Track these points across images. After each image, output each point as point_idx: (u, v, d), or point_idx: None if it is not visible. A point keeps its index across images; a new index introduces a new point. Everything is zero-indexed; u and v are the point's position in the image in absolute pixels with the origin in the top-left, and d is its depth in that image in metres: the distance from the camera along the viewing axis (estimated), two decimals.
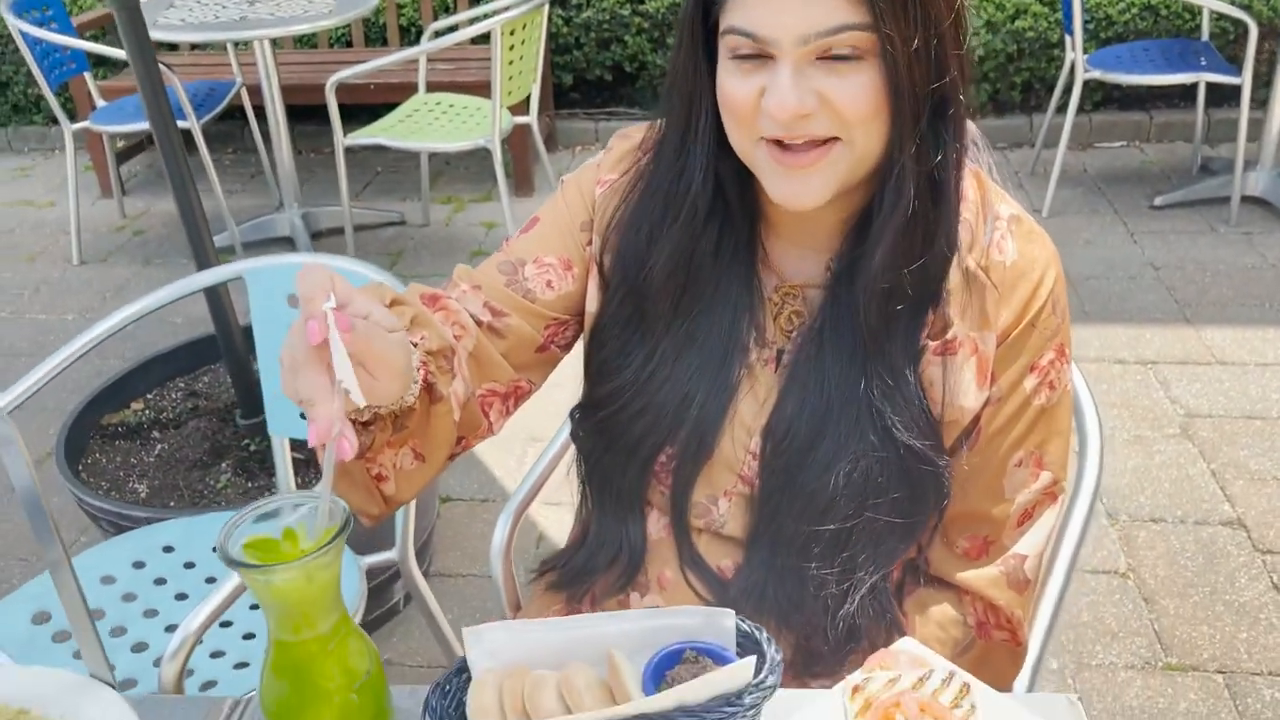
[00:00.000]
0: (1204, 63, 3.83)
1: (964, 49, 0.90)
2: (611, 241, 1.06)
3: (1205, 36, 4.15)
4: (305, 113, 4.34)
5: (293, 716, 0.80)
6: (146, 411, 2.42)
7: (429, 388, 0.91)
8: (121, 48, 2.03)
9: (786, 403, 1.00)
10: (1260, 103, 3.93)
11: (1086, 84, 4.43)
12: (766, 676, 0.85)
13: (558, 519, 2.47)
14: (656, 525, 1.10)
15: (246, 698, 0.97)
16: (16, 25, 3.55)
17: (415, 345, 0.89)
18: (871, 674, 0.93)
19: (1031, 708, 0.91)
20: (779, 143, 0.89)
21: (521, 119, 3.79)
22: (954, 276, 0.96)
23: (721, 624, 0.89)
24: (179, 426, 2.37)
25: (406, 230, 4.15)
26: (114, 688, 0.93)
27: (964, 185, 0.97)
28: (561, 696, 0.84)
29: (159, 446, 2.32)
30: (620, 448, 1.06)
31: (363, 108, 4.14)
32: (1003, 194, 1.02)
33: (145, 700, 0.94)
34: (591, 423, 1.09)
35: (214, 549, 0.77)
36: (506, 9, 3.43)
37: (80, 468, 2.23)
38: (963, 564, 1.05)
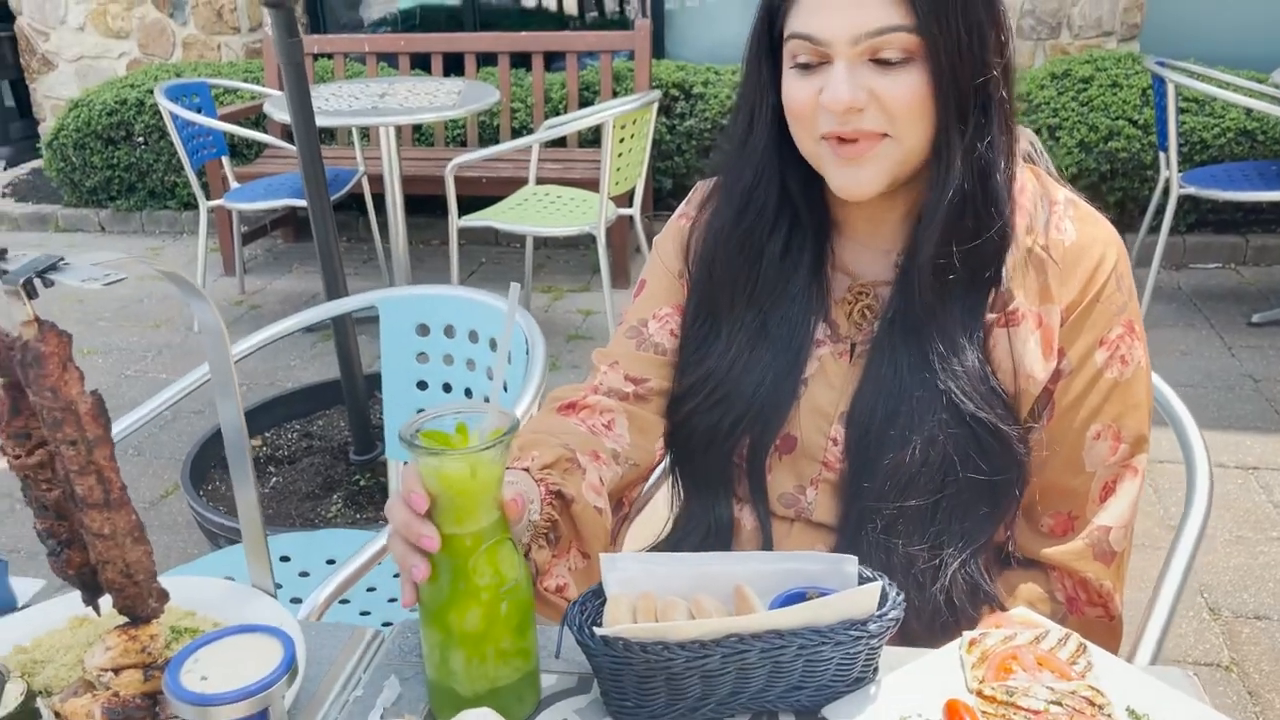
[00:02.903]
0: None
1: (1006, 52, 1.00)
2: (695, 247, 1.17)
3: None
4: (415, 206, 4.58)
5: (444, 611, 0.86)
6: (264, 448, 2.55)
7: (558, 495, 1.02)
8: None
9: (864, 390, 1.07)
10: None
11: (1181, 206, 4.48)
12: (889, 610, 0.89)
13: None
14: (748, 517, 1.16)
15: (386, 632, 1.04)
16: (170, 109, 3.87)
17: (527, 469, 1.01)
18: (988, 631, 0.96)
19: (1148, 673, 0.93)
20: (839, 139, 0.99)
21: (625, 211, 3.96)
22: (1016, 256, 1.04)
23: (844, 570, 0.93)
24: (293, 463, 2.48)
25: None
26: (273, 596, 1.00)
27: (1023, 178, 1.06)
28: (691, 615, 0.89)
29: (274, 479, 2.43)
30: (702, 435, 1.14)
31: (474, 200, 4.36)
32: (1060, 185, 1.10)
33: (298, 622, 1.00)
34: (680, 416, 1.17)
35: (398, 436, 0.84)
36: (620, 107, 3.63)
37: (201, 492, 2.35)
38: (1048, 541, 1.08)
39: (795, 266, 1.11)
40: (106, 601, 0.91)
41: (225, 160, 4.36)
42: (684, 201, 1.24)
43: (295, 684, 0.85)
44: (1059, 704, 0.86)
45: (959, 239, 1.01)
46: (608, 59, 4.80)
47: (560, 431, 1.11)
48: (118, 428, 1.72)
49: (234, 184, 4.37)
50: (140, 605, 0.87)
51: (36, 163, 6.26)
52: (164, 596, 0.89)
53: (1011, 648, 0.93)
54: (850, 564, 0.93)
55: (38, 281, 0.76)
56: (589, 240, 3.82)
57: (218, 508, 2.25)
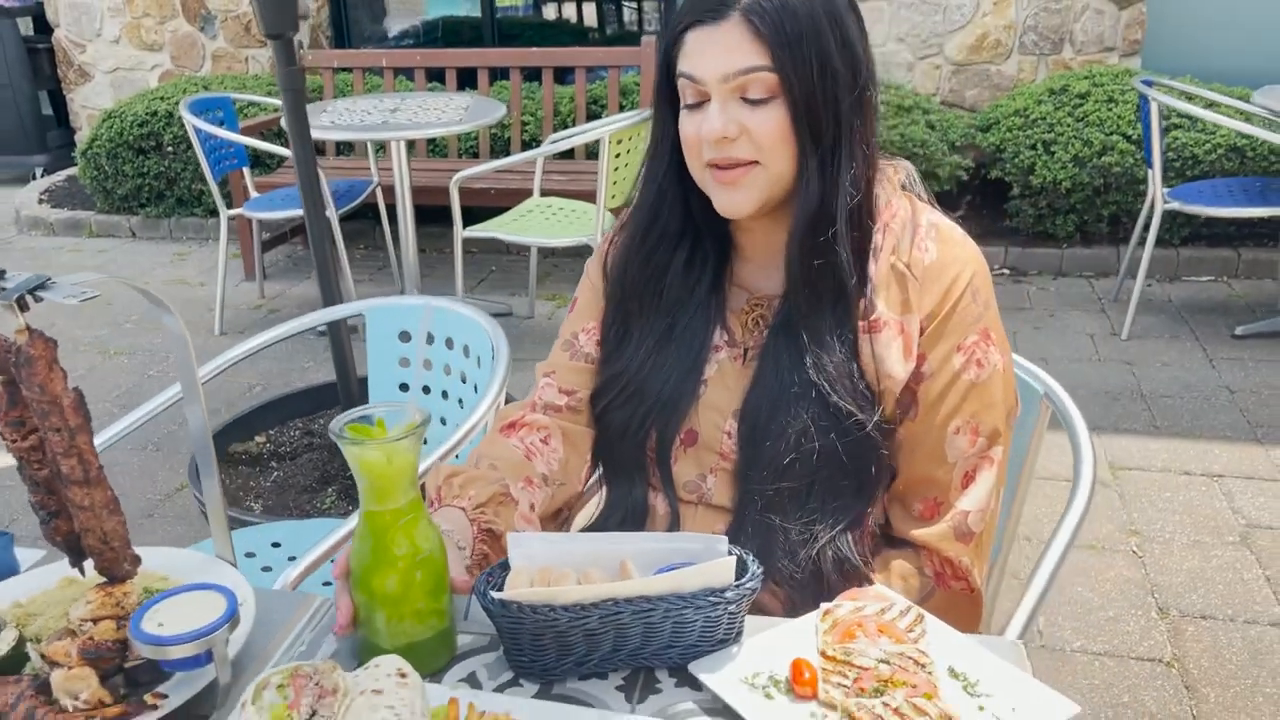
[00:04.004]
0: None
1: (858, 90, 1.15)
2: (611, 260, 1.34)
3: None
4: (429, 215, 4.77)
5: (368, 576, 1.02)
6: (267, 444, 2.73)
7: (489, 533, 1.19)
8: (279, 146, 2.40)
9: (754, 389, 1.24)
10: None
11: (1176, 220, 4.58)
12: (747, 581, 1.04)
13: None
14: (660, 502, 1.32)
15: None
16: (193, 122, 4.08)
17: (464, 509, 1.19)
18: (841, 603, 1.11)
19: (976, 641, 1.07)
20: (717, 166, 1.16)
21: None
22: (881, 272, 1.20)
23: (717, 548, 1.08)
24: (294, 458, 2.66)
25: (513, 321, 4.49)
26: (234, 566, 1.16)
27: (897, 204, 1.23)
28: (579, 583, 1.04)
29: (275, 474, 2.61)
30: (618, 429, 1.31)
31: (482, 210, 4.54)
32: (929, 210, 1.25)
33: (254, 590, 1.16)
34: (598, 410, 1.34)
35: (329, 430, 1.01)
36: (616, 123, 3.80)
37: None
38: (918, 524, 1.23)
39: (698, 280, 1.28)
40: (90, 566, 1.08)
41: (246, 171, 4.57)
42: (612, 227, 1.40)
43: (239, 631, 1.01)
44: (887, 663, 1.01)
45: (813, 254, 1.17)
46: (615, 74, 4.97)
47: (499, 457, 1.28)
48: (129, 420, 1.90)
49: (254, 193, 4.58)
50: (116, 567, 1.04)
51: (72, 170, 6.52)
52: (136, 561, 1.06)
53: (859, 617, 1.08)
54: (722, 543, 1.08)
55: (29, 297, 0.92)
56: (590, 251, 3.98)
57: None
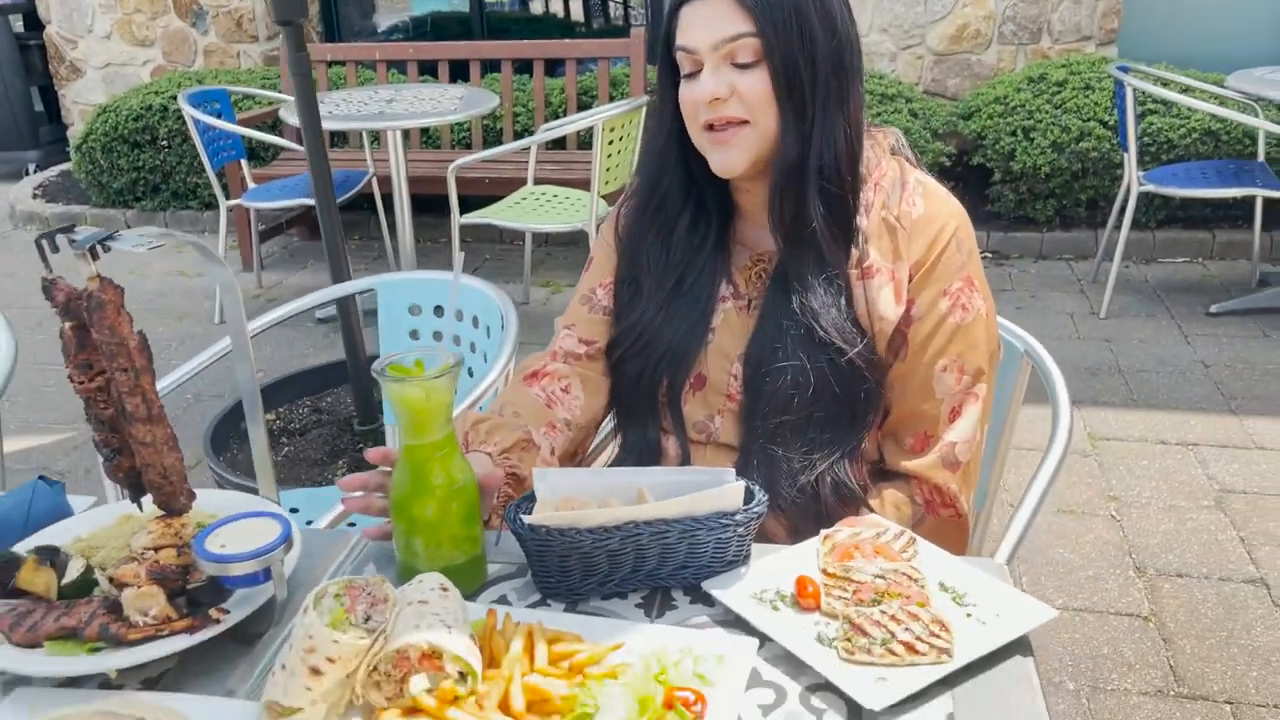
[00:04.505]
0: (1258, 181, 4.07)
1: (841, 58, 1.25)
2: (621, 223, 1.46)
3: (1261, 158, 4.40)
4: (422, 205, 4.85)
5: (407, 504, 1.12)
6: (278, 421, 2.81)
7: (514, 477, 1.29)
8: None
9: (757, 335, 1.35)
10: None
11: (1152, 202, 4.71)
12: (754, 506, 1.14)
13: None
14: (672, 444, 1.42)
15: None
16: (192, 114, 4.15)
17: (490, 454, 1.28)
18: (840, 529, 1.21)
19: (964, 561, 1.17)
20: (711, 126, 1.27)
21: None
22: (873, 224, 1.31)
23: (724, 479, 1.18)
24: (304, 434, 2.75)
25: None
26: (278, 504, 1.25)
27: (886, 165, 1.34)
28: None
29: (286, 449, 2.69)
30: (632, 377, 1.42)
31: (477, 199, 4.63)
32: (916, 170, 1.37)
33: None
34: (613, 360, 1.45)
35: (372, 370, 1.10)
36: (609, 111, 3.89)
37: (221, 458, 2.62)
38: (909, 456, 1.34)
39: (704, 239, 1.39)
40: (147, 503, 1.17)
41: (243, 162, 4.65)
42: (624, 193, 1.50)
43: (293, 552, 1.10)
44: (883, 578, 1.11)
45: (797, 201, 1.28)
46: (605, 65, 5.06)
47: (522, 405, 1.39)
48: (163, 384, 1.98)
49: (251, 185, 4.65)
50: (174, 501, 1.13)
51: (65, 165, 6.57)
52: (192, 495, 1.15)
53: (856, 540, 1.18)
54: (729, 474, 1.18)
55: (99, 247, 1.01)
56: (584, 237, 4.08)
57: (236, 471, 2.52)
